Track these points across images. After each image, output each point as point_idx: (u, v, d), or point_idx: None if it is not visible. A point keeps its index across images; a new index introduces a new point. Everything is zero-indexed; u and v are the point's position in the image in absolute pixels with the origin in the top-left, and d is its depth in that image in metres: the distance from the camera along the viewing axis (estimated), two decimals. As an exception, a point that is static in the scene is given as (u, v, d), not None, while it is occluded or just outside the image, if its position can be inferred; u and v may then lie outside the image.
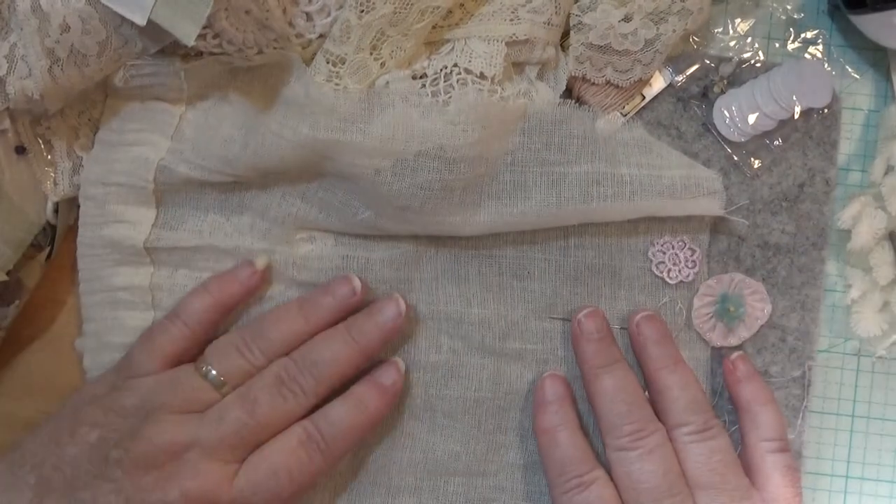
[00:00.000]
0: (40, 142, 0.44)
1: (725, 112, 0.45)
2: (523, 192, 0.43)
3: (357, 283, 0.43)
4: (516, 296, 0.45)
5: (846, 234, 0.46)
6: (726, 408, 0.45)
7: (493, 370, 0.45)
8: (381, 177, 0.41)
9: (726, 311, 0.45)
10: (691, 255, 0.45)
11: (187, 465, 0.38)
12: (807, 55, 0.47)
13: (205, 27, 0.39)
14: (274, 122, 0.41)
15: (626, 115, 0.45)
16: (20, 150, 0.43)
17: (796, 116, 0.45)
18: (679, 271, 0.45)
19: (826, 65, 0.47)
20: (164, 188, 0.45)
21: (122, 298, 0.45)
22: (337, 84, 0.41)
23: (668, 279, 0.45)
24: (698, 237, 0.45)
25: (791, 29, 0.47)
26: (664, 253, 0.45)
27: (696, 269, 0.45)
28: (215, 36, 0.41)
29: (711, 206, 0.44)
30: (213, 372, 0.40)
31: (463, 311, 0.45)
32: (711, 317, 0.45)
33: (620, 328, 0.45)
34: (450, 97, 0.41)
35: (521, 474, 0.45)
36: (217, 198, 0.45)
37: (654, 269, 0.45)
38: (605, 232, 0.45)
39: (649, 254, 0.45)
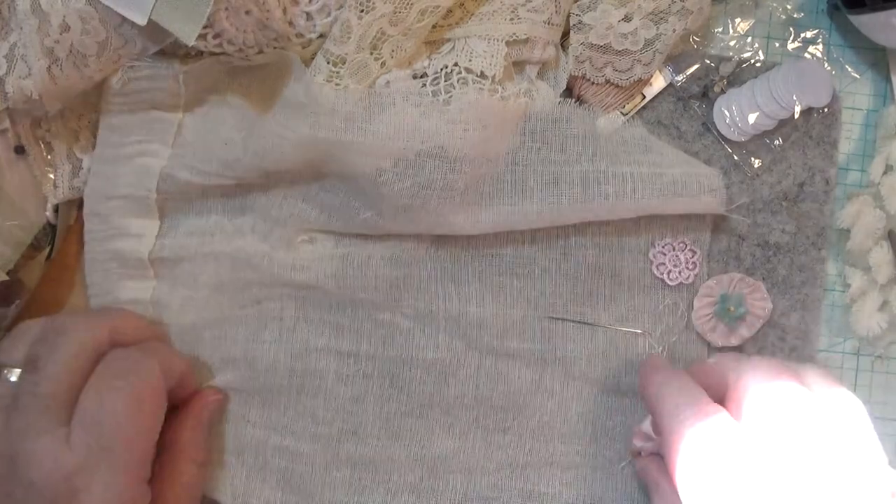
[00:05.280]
0: (41, 144, 0.44)
1: (725, 111, 0.45)
2: (524, 192, 0.43)
3: None
4: (516, 295, 0.45)
5: (846, 233, 0.46)
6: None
7: (491, 369, 0.45)
8: (382, 177, 0.41)
9: (726, 311, 0.45)
10: (692, 257, 0.45)
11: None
12: (807, 55, 0.47)
13: (205, 27, 0.39)
14: (274, 123, 0.41)
15: (626, 115, 0.45)
16: (20, 150, 0.43)
17: (796, 116, 0.45)
18: (679, 273, 0.45)
19: (826, 64, 0.47)
20: (166, 197, 0.45)
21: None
22: (337, 84, 0.41)
23: (668, 280, 0.45)
24: (699, 238, 0.45)
25: (791, 29, 0.47)
26: (665, 254, 0.45)
27: (697, 270, 0.45)
28: (216, 36, 0.41)
29: (712, 204, 0.44)
30: None
31: (462, 310, 0.45)
32: (712, 317, 0.45)
33: (619, 329, 0.45)
34: (450, 96, 0.41)
35: (519, 473, 0.45)
36: (219, 201, 0.45)
37: (654, 269, 0.45)
38: (606, 231, 0.45)
39: (650, 255, 0.45)
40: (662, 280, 0.45)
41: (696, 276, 0.45)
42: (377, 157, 0.40)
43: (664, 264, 0.45)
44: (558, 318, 0.45)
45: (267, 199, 0.45)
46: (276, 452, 0.45)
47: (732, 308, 0.44)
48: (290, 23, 0.41)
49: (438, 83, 0.42)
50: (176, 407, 0.42)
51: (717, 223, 0.46)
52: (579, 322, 0.45)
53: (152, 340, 0.42)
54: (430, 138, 0.40)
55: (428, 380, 0.45)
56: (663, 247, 0.45)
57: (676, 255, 0.45)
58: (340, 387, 0.45)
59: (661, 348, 0.45)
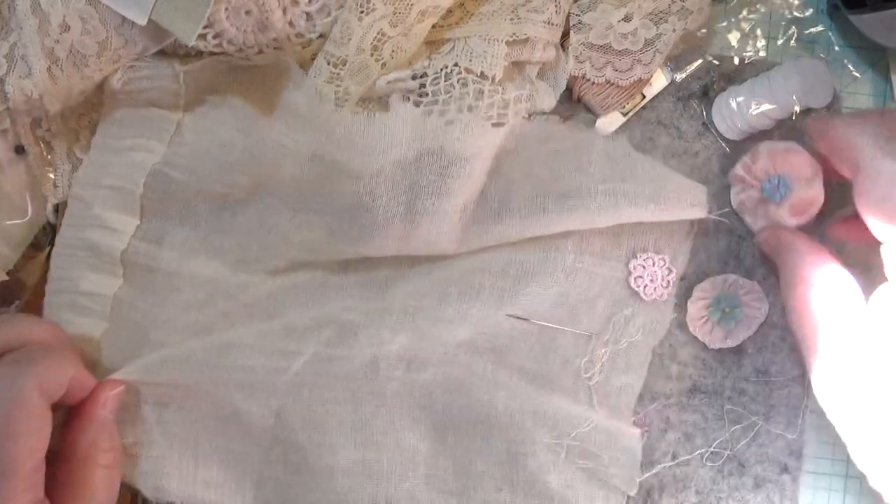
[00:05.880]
0: (41, 144, 0.44)
1: (724, 110, 0.45)
2: (508, 207, 0.43)
3: None
4: (485, 294, 0.44)
5: (846, 233, 0.46)
6: (727, 407, 0.45)
7: (426, 356, 0.44)
8: (382, 176, 0.41)
9: (722, 312, 0.45)
10: (668, 275, 0.45)
11: None
12: (807, 54, 0.47)
13: (205, 27, 0.39)
14: (275, 131, 0.41)
15: (626, 114, 0.45)
16: (20, 149, 0.43)
17: (796, 115, 0.45)
18: (654, 289, 0.45)
19: (826, 64, 0.47)
20: (152, 196, 0.44)
21: (82, 303, 0.44)
22: (338, 85, 0.41)
23: (643, 295, 0.45)
24: (678, 259, 0.45)
25: (791, 28, 0.47)
26: (644, 268, 0.45)
27: (670, 289, 0.45)
28: (216, 36, 0.41)
29: (696, 215, 0.44)
30: None
31: (421, 306, 0.44)
32: (707, 319, 0.45)
33: (586, 333, 0.45)
34: (450, 97, 0.41)
35: (451, 451, 0.44)
36: (203, 211, 0.45)
37: (631, 281, 0.45)
38: (589, 239, 0.45)
39: (630, 265, 0.45)
40: (637, 293, 0.45)
41: (669, 294, 0.45)
42: (377, 157, 0.41)
43: (641, 277, 0.45)
44: (513, 317, 0.44)
45: (252, 218, 0.44)
46: (205, 433, 0.44)
47: (728, 309, 0.44)
48: (291, 23, 0.41)
49: (438, 83, 0.42)
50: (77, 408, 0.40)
51: (718, 223, 0.46)
52: (534, 322, 0.44)
53: (34, 346, 0.38)
54: (430, 138, 0.40)
55: (357, 368, 0.44)
56: (644, 260, 0.45)
57: (655, 272, 0.45)
58: (257, 377, 0.43)
59: (604, 351, 0.45)
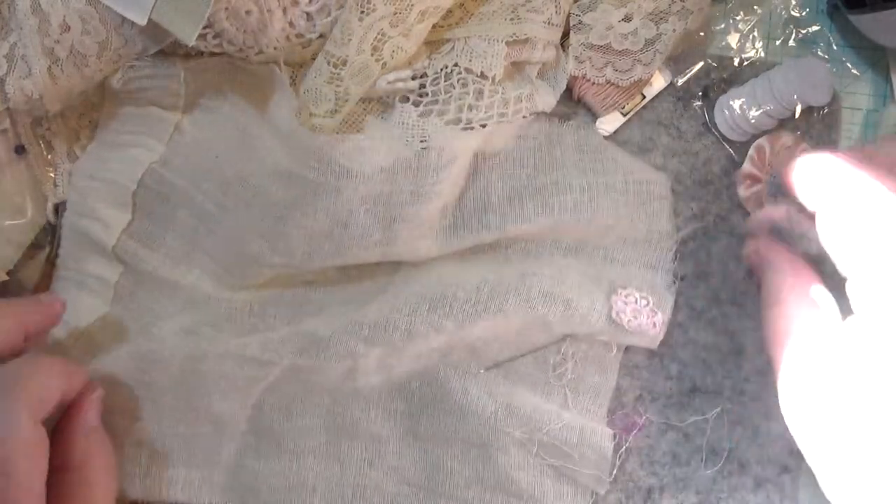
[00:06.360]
0: (41, 143, 0.44)
1: (726, 111, 0.45)
2: (487, 207, 0.43)
3: None
4: (457, 308, 0.43)
5: (846, 233, 0.46)
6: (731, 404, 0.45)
7: (402, 354, 0.43)
8: (358, 194, 0.41)
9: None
10: (653, 316, 0.44)
11: None
12: (807, 54, 0.47)
13: (205, 27, 0.39)
14: (261, 143, 0.42)
15: (626, 114, 0.45)
16: (20, 149, 0.43)
17: (797, 115, 0.45)
18: (639, 325, 0.43)
19: (826, 63, 0.47)
20: (145, 195, 0.44)
21: (89, 283, 0.45)
22: (338, 85, 0.41)
23: (626, 327, 0.43)
24: (662, 306, 0.44)
25: (791, 28, 0.47)
26: (626, 304, 0.44)
27: (657, 330, 0.44)
28: (216, 36, 0.41)
29: (662, 210, 0.45)
30: None
31: (389, 319, 0.43)
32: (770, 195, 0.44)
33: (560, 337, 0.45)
34: (450, 97, 0.42)
35: (420, 444, 0.44)
36: (187, 229, 0.45)
37: (613, 314, 0.44)
38: (566, 273, 0.44)
39: (611, 299, 0.44)
40: (620, 325, 0.44)
41: (654, 336, 0.44)
42: (378, 156, 0.41)
43: (624, 312, 0.44)
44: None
45: (231, 240, 0.44)
46: (175, 439, 0.43)
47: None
48: (291, 23, 0.41)
49: (438, 83, 0.42)
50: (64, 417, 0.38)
51: (718, 222, 0.46)
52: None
53: (26, 364, 0.36)
54: (404, 153, 0.41)
55: (334, 377, 0.44)
56: (626, 296, 0.44)
57: (638, 309, 0.44)
58: (235, 384, 0.43)
59: (575, 350, 0.45)
